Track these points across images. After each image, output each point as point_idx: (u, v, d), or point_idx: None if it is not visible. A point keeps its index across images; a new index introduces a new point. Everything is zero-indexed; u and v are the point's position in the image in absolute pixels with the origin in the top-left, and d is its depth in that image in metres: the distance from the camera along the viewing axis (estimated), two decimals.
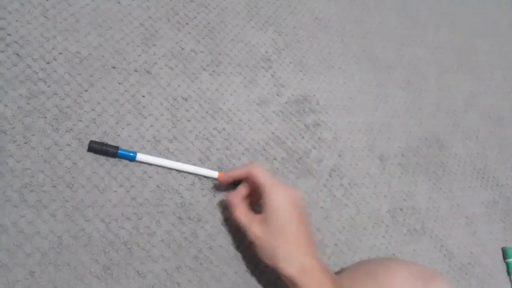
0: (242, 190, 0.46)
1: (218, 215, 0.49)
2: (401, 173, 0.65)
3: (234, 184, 0.48)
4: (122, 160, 0.46)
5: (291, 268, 0.40)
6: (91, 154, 0.45)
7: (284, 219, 0.42)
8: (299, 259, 0.41)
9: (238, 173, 0.47)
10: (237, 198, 0.46)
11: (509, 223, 0.72)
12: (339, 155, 0.61)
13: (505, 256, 0.68)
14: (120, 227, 0.43)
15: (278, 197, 0.43)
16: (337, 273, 0.52)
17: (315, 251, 0.43)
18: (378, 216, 0.59)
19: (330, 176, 0.59)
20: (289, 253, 0.41)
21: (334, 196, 0.57)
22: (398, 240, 0.59)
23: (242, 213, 0.45)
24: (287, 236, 0.41)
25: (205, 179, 0.50)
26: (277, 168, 0.55)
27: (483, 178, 0.74)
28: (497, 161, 0.77)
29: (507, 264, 0.68)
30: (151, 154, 0.48)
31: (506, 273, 0.67)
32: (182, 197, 0.48)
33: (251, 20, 0.63)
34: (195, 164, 0.50)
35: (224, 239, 0.48)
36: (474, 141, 0.76)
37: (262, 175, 0.44)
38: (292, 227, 0.42)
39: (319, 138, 0.60)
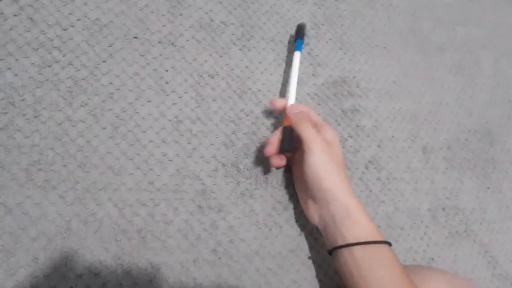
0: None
1: (242, 206, 0.44)
2: (446, 168, 0.59)
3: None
4: (141, 139, 0.42)
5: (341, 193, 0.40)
6: (107, 131, 0.41)
7: (340, 155, 0.43)
8: (350, 190, 0.41)
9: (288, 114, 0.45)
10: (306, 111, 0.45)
11: None
12: (378, 146, 0.55)
13: None
14: (135, 214, 0.40)
15: (336, 136, 0.43)
16: None
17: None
18: (417, 215, 0.54)
19: (366, 168, 0.53)
20: (342, 182, 0.41)
21: (370, 191, 0.52)
22: (438, 243, 0.54)
23: (311, 127, 0.42)
24: (341, 168, 0.42)
25: (230, 165, 0.45)
26: None
27: None
28: None
29: None
30: (172, 135, 0.44)
31: None
32: (204, 183, 0.44)
33: None
34: (218, 149, 0.45)
35: (247, 233, 0.44)
36: None
37: (313, 114, 0.45)
38: (343, 163, 0.43)
39: (357, 126, 0.55)
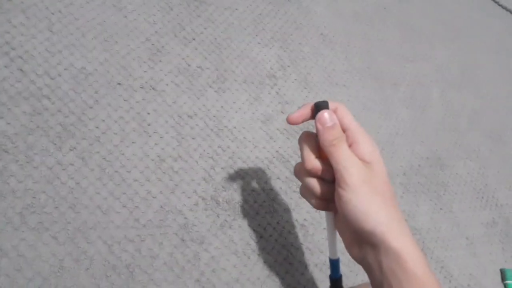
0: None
1: (222, 236, 0.48)
2: (403, 192, 0.65)
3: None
4: (126, 178, 0.45)
5: (388, 229, 0.31)
6: (94, 172, 0.44)
7: (384, 176, 0.33)
8: (403, 229, 0.32)
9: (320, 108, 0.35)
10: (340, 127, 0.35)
11: (508, 244, 0.72)
12: None
13: (503, 277, 0.68)
14: (123, 250, 0.43)
15: (375, 148, 0.34)
16: None
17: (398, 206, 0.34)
18: None
19: None
20: (391, 219, 0.32)
21: None
22: None
23: (347, 147, 0.33)
24: (387, 196, 0.33)
25: (210, 198, 0.49)
26: (281, 188, 0.55)
27: (482, 198, 0.74)
28: (497, 181, 0.77)
29: (505, 286, 0.68)
30: (155, 174, 0.47)
31: None
32: (186, 217, 0.47)
33: (257, 36, 0.62)
34: (199, 184, 0.49)
35: (227, 262, 0.47)
36: (475, 160, 0.77)
37: (350, 118, 0.35)
38: (389, 188, 0.33)
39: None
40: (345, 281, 0.53)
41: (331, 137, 0.33)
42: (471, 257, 0.67)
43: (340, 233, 0.37)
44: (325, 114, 0.34)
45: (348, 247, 0.35)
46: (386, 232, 0.31)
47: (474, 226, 0.70)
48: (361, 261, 0.34)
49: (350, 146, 0.34)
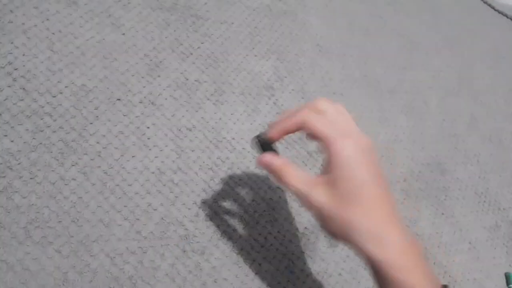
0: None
1: (222, 247, 0.49)
2: (404, 199, 0.65)
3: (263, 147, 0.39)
4: (127, 192, 0.46)
5: (371, 244, 0.31)
6: (96, 187, 0.45)
7: (359, 178, 0.32)
8: (381, 232, 0.31)
9: (288, 125, 0.36)
10: (281, 159, 0.35)
11: None
12: None
13: (508, 281, 0.68)
14: (125, 262, 0.43)
15: (348, 150, 0.33)
16: None
17: (399, 219, 0.33)
18: None
19: None
20: (368, 224, 0.31)
21: None
22: None
23: (295, 175, 0.34)
24: (364, 201, 0.32)
25: (210, 209, 0.50)
26: (280, 197, 0.55)
27: (484, 202, 0.74)
28: (498, 185, 0.77)
29: None
30: (155, 186, 0.48)
31: None
32: (186, 229, 0.48)
33: (253, 48, 0.64)
34: (199, 195, 0.50)
35: (229, 272, 0.48)
36: (476, 165, 0.77)
37: (320, 125, 0.34)
38: (370, 189, 0.32)
39: (322, 166, 0.61)
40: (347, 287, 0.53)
41: (275, 179, 0.36)
42: (475, 261, 0.66)
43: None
44: (259, 163, 0.38)
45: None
46: (363, 247, 0.31)
47: (476, 230, 0.70)
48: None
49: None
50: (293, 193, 0.35)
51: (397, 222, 0.33)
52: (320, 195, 0.33)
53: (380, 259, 0.31)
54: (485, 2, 1.10)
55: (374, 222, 0.32)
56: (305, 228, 0.54)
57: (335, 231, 0.33)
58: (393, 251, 0.31)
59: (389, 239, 0.31)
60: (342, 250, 0.56)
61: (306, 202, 0.34)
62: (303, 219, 0.55)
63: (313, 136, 0.36)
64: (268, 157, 0.37)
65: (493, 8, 1.09)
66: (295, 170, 0.35)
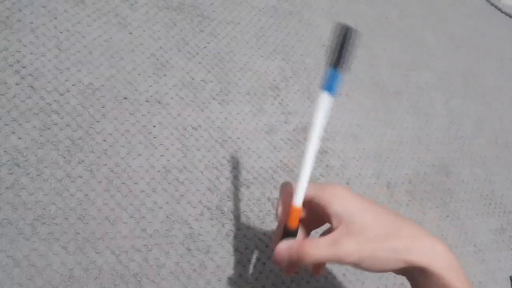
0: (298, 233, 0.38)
1: (227, 246, 0.49)
2: (409, 200, 0.65)
3: None
4: (133, 190, 0.47)
5: (420, 256, 0.32)
6: (102, 184, 0.45)
7: (368, 212, 0.34)
8: (427, 243, 0.33)
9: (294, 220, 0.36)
10: (297, 241, 0.36)
11: None
12: (347, 183, 0.61)
13: None
14: (130, 259, 0.44)
15: (341, 197, 0.35)
16: None
17: (416, 226, 0.34)
18: None
19: None
20: (407, 240, 0.32)
21: None
22: None
23: (316, 246, 0.34)
24: (389, 227, 0.33)
25: (215, 208, 0.50)
26: None
27: (490, 204, 0.74)
28: (504, 187, 0.77)
29: None
30: (161, 185, 0.48)
31: None
32: (191, 227, 0.48)
33: (259, 49, 0.64)
34: (204, 194, 0.50)
35: (233, 271, 0.48)
36: (481, 167, 0.76)
37: (328, 202, 0.35)
38: (383, 215, 0.34)
39: (327, 166, 0.61)
40: None
41: (299, 263, 0.34)
42: (480, 264, 0.66)
43: None
44: (276, 258, 0.36)
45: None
46: (410, 260, 0.32)
47: (482, 233, 0.70)
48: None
49: (324, 214, 0.35)
50: (327, 261, 0.34)
51: (421, 227, 0.34)
52: (352, 243, 0.32)
53: (433, 266, 0.32)
54: (491, 4, 1.10)
55: (409, 234, 0.33)
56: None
57: (382, 265, 0.33)
58: (441, 257, 0.32)
59: (432, 246, 0.33)
60: None
61: (343, 257, 0.33)
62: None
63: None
64: (280, 249, 0.36)
65: (499, 9, 1.09)
66: (312, 242, 0.34)
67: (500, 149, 0.81)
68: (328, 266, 0.54)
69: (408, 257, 0.32)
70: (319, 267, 0.42)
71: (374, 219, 0.33)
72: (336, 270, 0.54)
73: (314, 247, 0.33)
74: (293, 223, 0.37)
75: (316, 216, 0.38)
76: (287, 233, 0.37)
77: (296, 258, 0.34)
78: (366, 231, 0.33)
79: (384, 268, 0.33)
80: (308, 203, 0.37)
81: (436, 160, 0.72)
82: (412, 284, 0.35)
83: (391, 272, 0.33)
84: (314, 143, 0.34)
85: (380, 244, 0.32)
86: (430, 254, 0.32)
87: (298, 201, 0.36)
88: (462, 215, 0.69)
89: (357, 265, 0.33)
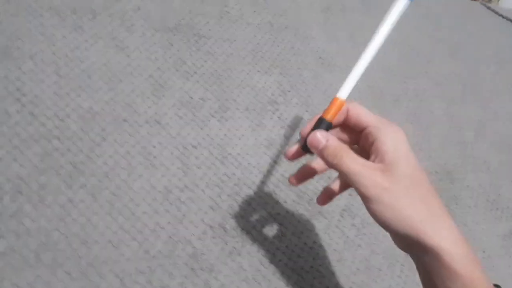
0: (338, 133, 0.35)
1: (231, 264, 0.49)
2: None
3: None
4: (135, 212, 0.47)
5: (432, 233, 0.30)
6: (104, 208, 0.46)
7: (414, 172, 0.32)
8: (442, 221, 0.31)
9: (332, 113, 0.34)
10: (337, 140, 0.33)
11: None
12: (350, 194, 0.61)
13: None
14: (134, 282, 0.44)
15: (397, 137, 0.33)
16: None
17: (447, 215, 0.32)
18: (393, 255, 0.59)
19: (341, 216, 0.58)
20: (427, 213, 0.31)
21: (347, 237, 0.57)
22: (414, 279, 0.58)
23: (354, 157, 0.32)
24: (423, 190, 0.31)
25: (217, 226, 0.50)
26: (287, 211, 0.55)
27: (497, 209, 0.73)
28: (511, 191, 0.76)
29: None
30: (162, 205, 0.48)
31: None
32: (194, 247, 0.48)
33: (256, 64, 0.64)
34: (206, 212, 0.50)
35: None
36: (486, 171, 0.76)
37: (366, 114, 0.35)
38: (424, 177, 0.32)
39: (329, 178, 0.61)
40: None
41: (330, 158, 0.32)
42: (489, 270, 0.65)
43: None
44: (312, 138, 0.34)
45: (393, 239, 0.35)
46: (420, 232, 0.30)
47: (490, 239, 0.69)
48: (407, 253, 0.34)
49: (371, 145, 0.33)
50: (350, 176, 0.32)
51: (448, 214, 0.32)
52: (384, 180, 0.31)
53: (442, 247, 0.29)
54: (488, 8, 1.10)
55: (433, 211, 0.31)
56: (314, 242, 0.54)
57: (391, 219, 0.31)
58: (455, 241, 0.30)
59: (449, 230, 0.31)
60: (352, 263, 0.56)
61: (367, 185, 0.31)
62: (311, 233, 0.55)
63: (356, 125, 0.35)
64: (322, 133, 0.33)
65: (496, 13, 1.09)
66: (352, 152, 0.32)
67: (503, 153, 0.80)
68: (334, 279, 0.53)
69: (421, 227, 0.30)
70: (331, 196, 0.40)
71: (415, 185, 0.31)
72: (343, 282, 0.54)
73: (352, 158, 0.32)
74: (332, 114, 0.33)
75: (350, 142, 0.36)
76: (321, 124, 0.33)
77: (331, 155, 0.32)
78: (400, 185, 0.31)
79: (390, 224, 0.31)
80: (354, 126, 0.35)
81: (439, 167, 0.71)
82: (418, 267, 0.34)
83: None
84: (381, 38, 0.33)
85: (404, 202, 0.30)
86: (446, 236, 0.30)
87: (344, 92, 0.33)
88: (469, 221, 0.68)
89: (371, 202, 0.31)
